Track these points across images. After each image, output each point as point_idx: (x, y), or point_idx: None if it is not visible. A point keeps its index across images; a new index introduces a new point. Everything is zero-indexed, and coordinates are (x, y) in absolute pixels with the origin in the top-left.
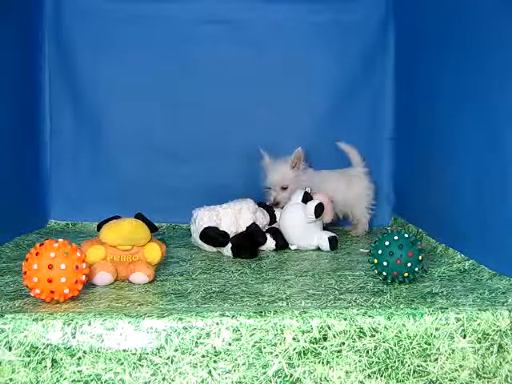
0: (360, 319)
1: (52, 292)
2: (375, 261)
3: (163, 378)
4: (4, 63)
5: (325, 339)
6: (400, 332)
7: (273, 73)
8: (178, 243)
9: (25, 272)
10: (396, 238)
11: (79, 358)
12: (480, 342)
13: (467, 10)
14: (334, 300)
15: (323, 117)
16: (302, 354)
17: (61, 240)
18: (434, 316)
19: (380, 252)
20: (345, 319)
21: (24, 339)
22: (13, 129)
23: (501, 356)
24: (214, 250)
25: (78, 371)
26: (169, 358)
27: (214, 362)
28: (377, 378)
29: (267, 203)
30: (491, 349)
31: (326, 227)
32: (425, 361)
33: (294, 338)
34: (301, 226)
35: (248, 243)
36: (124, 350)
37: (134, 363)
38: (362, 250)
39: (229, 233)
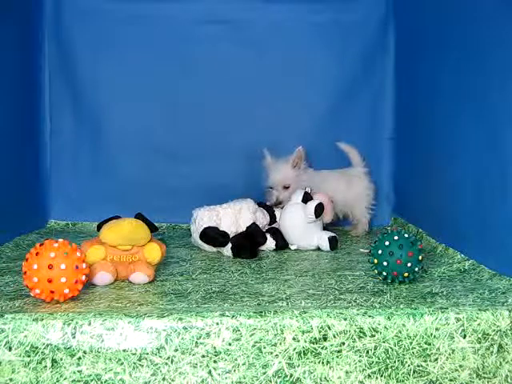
0: (360, 319)
1: (52, 292)
2: (375, 261)
3: (163, 378)
4: (4, 63)
5: (325, 339)
6: (400, 332)
7: (273, 73)
8: (178, 243)
9: (25, 272)
10: (396, 237)
11: (79, 358)
12: (480, 342)
13: (467, 10)
14: (334, 300)
15: (323, 117)
16: (301, 354)
17: (61, 240)
18: (434, 316)
19: (380, 252)
20: (345, 319)
21: (24, 339)
22: (13, 129)
23: (501, 356)
24: (214, 249)
25: (78, 371)
26: (169, 357)
27: (214, 362)
28: (377, 378)
29: (268, 203)
30: (491, 349)
31: (326, 227)
32: (425, 361)
33: (294, 338)
34: (301, 226)
35: (248, 243)
36: (124, 350)
37: (134, 363)
38: (361, 249)
39: (229, 233)
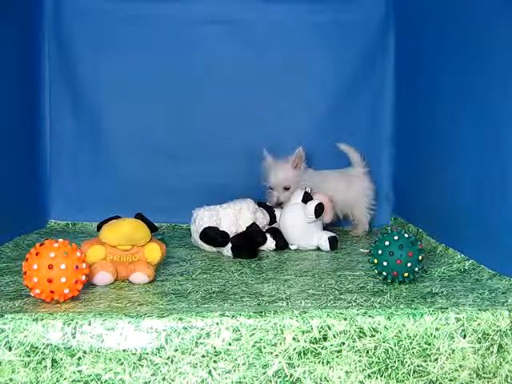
0: (360, 319)
1: (52, 292)
2: (375, 261)
3: (163, 378)
4: (4, 63)
5: (325, 339)
6: (400, 332)
7: (273, 73)
8: (178, 243)
9: (25, 272)
10: (396, 237)
11: (79, 358)
12: (480, 342)
13: (467, 10)
14: (334, 300)
15: (323, 117)
16: (301, 354)
17: (61, 240)
18: (434, 316)
19: (380, 252)
20: (345, 319)
21: (24, 339)
22: (13, 129)
23: (501, 356)
24: (214, 249)
25: (78, 371)
26: (169, 357)
27: (214, 362)
28: (377, 378)
29: (268, 203)
30: (491, 349)
31: (325, 227)
32: (425, 361)
33: (294, 338)
34: (301, 226)
35: (248, 243)
36: (124, 350)
37: (134, 363)
38: (361, 250)
39: (229, 233)
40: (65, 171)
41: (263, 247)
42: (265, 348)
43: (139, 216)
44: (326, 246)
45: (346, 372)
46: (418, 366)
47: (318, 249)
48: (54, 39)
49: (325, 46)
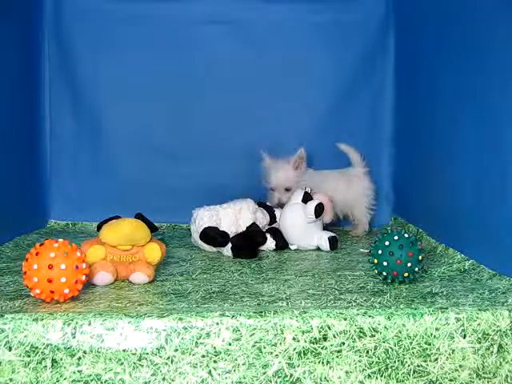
0: (360, 319)
1: (52, 292)
2: (375, 261)
3: (163, 378)
4: (4, 63)
5: (325, 339)
6: (400, 332)
7: (273, 73)
8: (178, 243)
9: (25, 272)
10: (396, 237)
11: (79, 358)
12: (480, 342)
13: (467, 10)
14: (334, 300)
15: (323, 117)
16: (302, 354)
17: (61, 240)
18: (434, 316)
19: (380, 252)
20: (345, 319)
21: (24, 339)
22: (13, 129)
23: (501, 356)
24: (214, 249)
25: (78, 371)
26: (169, 357)
27: (214, 362)
28: (377, 378)
29: (268, 203)
30: (491, 349)
31: (325, 227)
32: (425, 361)
33: (294, 338)
34: (301, 226)
35: (248, 243)
36: (124, 350)
37: (134, 363)
38: (361, 250)
39: (229, 233)
40: (65, 171)
41: (263, 247)
42: (265, 348)
43: (139, 216)
44: (326, 246)
45: (346, 372)
46: (418, 366)
47: (318, 249)
48: (54, 39)
49: (325, 46)
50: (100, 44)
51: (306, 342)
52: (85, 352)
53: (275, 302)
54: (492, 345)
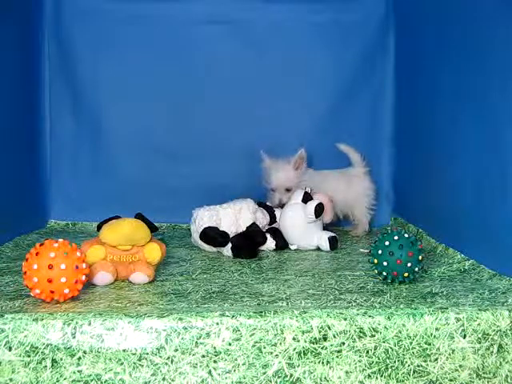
0: (360, 319)
1: (52, 292)
2: (375, 261)
3: (163, 378)
4: (4, 63)
5: (325, 339)
6: (400, 332)
7: (273, 73)
8: (178, 243)
9: (25, 272)
10: (396, 237)
11: (79, 358)
12: (480, 342)
13: (467, 10)
14: (334, 300)
15: (323, 117)
16: (302, 354)
17: (61, 240)
18: (434, 316)
19: (380, 252)
20: (345, 319)
21: (24, 339)
22: (13, 129)
23: (501, 356)
24: (214, 249)
25: (78, 371)
26: (169, 357)
27: (214, 362)
28: (377, 378)
29: (268, 203)
30: (491, 349)
31: (325, 227)
32: (425, 361)
33: (294, 338)
34: (301, 226)
35: (248, 243)
36: (124, 350)
37: (134, 363)
38: (361, 250)
39: (229, 233)
40: (65, 171)
41: (263, 247)
42: (265, 348)
43: (139, 216)
44: (326, 246)
45: (346, 372)
46: (418, 366)
47: (318, 249)
48: (54, 39)
49: (325, 46)
50: (100, 44)
51: (306, 342)
52: (85, 352)
53: (275, 302)
54: (492, 345)
